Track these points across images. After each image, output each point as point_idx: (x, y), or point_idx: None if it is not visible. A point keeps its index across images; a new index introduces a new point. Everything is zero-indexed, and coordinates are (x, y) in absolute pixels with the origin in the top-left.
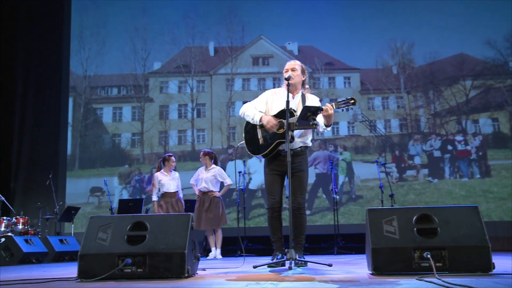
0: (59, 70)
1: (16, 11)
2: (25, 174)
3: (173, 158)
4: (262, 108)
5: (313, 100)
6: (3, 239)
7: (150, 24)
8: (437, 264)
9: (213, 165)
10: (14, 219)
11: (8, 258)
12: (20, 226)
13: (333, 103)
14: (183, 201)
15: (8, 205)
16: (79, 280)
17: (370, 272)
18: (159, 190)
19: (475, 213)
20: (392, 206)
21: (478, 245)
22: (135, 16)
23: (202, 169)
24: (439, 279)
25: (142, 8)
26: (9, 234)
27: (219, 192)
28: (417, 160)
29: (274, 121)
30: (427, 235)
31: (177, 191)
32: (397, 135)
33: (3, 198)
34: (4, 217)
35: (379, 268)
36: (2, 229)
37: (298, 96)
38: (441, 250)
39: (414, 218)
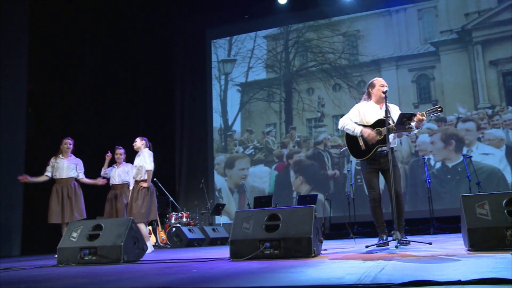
0: (204, 102)
1: (172, 59)
2: (185, 180)
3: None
4: (356, 118)
5: (395, 108)
6: (174, 229)
7: None
8: None
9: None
10: (180, 214)
11: (179, 242)
12: (184, 219)
13: (424, 112)
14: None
15: (175, 203)
16: (231, 259)
17: (467, 249)
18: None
19: None
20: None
21: None
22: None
23: None
24: None
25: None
26: (178, 225)
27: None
28: None
29: (373, 134)
30: None
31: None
32: None
33: (171, 199)
34: (173, 213)
35: (475, 245)
36: (173, 221)
37: (384, 107)
38: None
39: (504, 202)
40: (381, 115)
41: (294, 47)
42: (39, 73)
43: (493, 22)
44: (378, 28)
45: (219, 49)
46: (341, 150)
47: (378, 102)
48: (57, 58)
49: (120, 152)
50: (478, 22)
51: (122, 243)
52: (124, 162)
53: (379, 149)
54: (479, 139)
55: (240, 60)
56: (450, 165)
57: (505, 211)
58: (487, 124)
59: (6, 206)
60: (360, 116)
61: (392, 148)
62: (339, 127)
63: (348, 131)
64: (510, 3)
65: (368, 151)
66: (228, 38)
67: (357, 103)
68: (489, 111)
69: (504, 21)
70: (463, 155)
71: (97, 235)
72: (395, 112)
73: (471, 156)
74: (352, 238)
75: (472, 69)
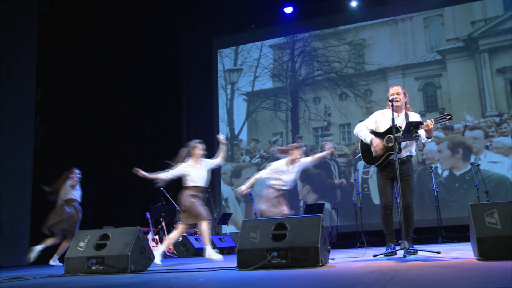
0: (210, 111)
1: (179, 68)
2: None
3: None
4: (372, 126)
5: (414, 116)
6: (180, 238)
7: None
8: None
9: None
10: None
11: (185, 252)
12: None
13: (432, 119)
14: None
15: None
16: (238, 269)
17: (477, 258)
18: None
19: None
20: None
21: None
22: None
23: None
24: None
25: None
26: (184, 234)
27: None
28: None
29: (380, 146)
30: None
31: None
32: None
33: (178, 208)
34: (180, 222)
35: (485, 254)
36: None
37: (402, 115)
38: None
39: None
40: (397, 123)
41: (300, 56)
42: (47, 83)
43: (499, 30)
44: (384, 36)
45: (225, 58)
46: (357, 156)
47: (395, 110)
48: (65, 68)
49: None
50: (484, 30)
51: (129, 253)
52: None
53: (392, 157)
54: (487, 147)
55: (246, 69)
56: (457, 173)
57: None
58: (495, 132)
59: (14, 215)
60: (376, 124)
61: (411, 156)
62: (354, 132)
63: (361, 138)
64: None
65: (379, 158)
66: (234, 47)
67: (363, 112)
68: (497, 119)
69: (510, 29)
70: (471, 164)
71: (104, 244)
72: (413, 120)
73: (479, 165)
74: (360, 247)
75: (479, 77)
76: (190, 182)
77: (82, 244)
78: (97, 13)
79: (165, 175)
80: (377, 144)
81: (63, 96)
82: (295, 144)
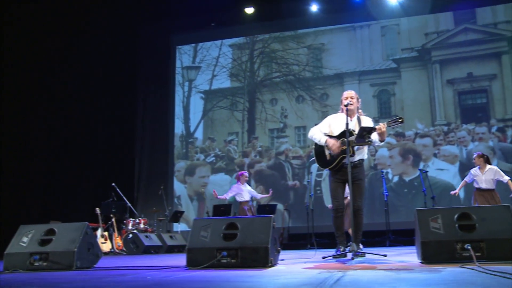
0: (166, 108)
1: (136, 63)
2: (144, 186)
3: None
4: (326, 130)
5: (367, 120)
6: (130, 235)
7: None
8: (477, 254)
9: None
10: (137, 220)
11: (135, 249)
12: (142, 226)
13: (385, 123)
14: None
15: (133, 209)
16: (187, 268)
17: (420, 261)
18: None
19: (507, 211)
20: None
21: (511, 238)
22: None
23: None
24: (479, 266)
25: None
26: (135, 231)
27: None
28: None
29: (337, 144)
30: (467, 230)
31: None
32: None
33: (129, 204)
34: (131, 219)
35: (428, 257)
36: (130, 227)
37: (355, 119)
38: (480, 242)
39: (455, 216)
40: (350, 126)
41: (259, 57)
42: None
43: (450, 43)
44: (342, 42)
45: (184, 55)
46: (311, 159)
47: (348, 114)
48: (15, 57)
49: None
50: (436, 42)
51: (75, 249)
52: None
53: (345, 160)
54: (435, 155)
55: (205, 67)
56: (407, 179)
57: (456, 225)
58: (443, 141)
59: None
60: (330, 128)
61: (362, 160)
62: (309, 136)
63: (315, 140)
64: (464, 27)
65: (333, 161)
66: (193, 44)
67: (319, 115)
68: (445, 128)
69: (459, 43)
70: (419, 170)
71: (50, 240)
72: (366, 124)
73: (427, 171)
74: (310, 248)
75: (430, 86)
76: None
77: (25, 239)
78: (53, 5)
79: None
80: (332, 144)
81: (11, 86)
82: None
